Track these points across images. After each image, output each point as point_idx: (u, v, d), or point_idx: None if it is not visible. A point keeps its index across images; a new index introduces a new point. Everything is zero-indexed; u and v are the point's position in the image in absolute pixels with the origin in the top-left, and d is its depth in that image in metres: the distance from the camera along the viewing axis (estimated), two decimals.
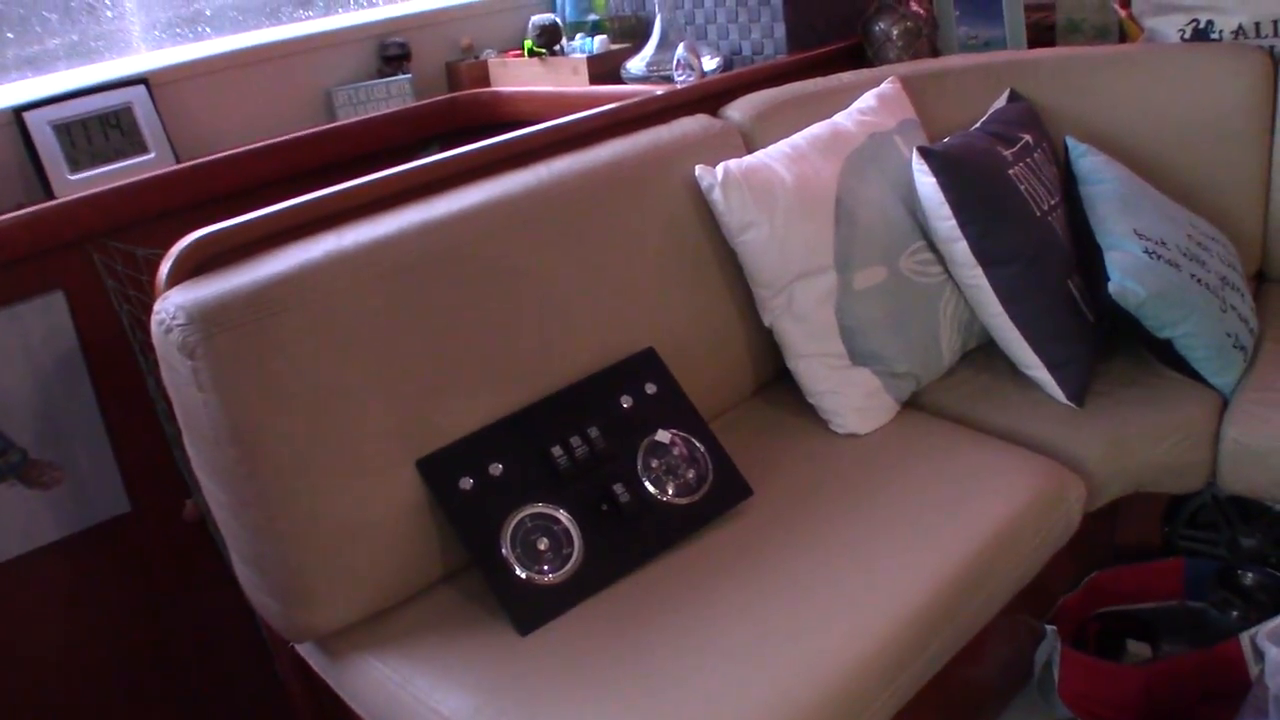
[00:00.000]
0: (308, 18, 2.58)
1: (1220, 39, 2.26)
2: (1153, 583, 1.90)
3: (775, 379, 1.94)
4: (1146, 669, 1.73)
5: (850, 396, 1.77)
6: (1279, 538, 1.91)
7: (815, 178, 1.80)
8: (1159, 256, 1.79)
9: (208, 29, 2.45)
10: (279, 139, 2.12)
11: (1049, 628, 1.76)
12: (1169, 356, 1.82)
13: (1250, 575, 1.86)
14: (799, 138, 1.90)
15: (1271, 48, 2.15)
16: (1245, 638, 1.65)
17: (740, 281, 1.83)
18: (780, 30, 2.38)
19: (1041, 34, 2.56)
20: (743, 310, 1.85)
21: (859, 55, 2.52)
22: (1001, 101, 2.16)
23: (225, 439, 1.32)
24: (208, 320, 1.30)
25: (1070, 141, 2.01)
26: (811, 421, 1.80)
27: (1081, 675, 1.73)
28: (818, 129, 1.93)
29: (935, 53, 2.51)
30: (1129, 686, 1.73)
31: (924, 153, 1.80)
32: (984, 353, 1.96)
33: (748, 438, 1.76)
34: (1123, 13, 2.45)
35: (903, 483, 1.61)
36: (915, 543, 1.47)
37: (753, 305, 1.84)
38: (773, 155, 1.83)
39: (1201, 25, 2.29)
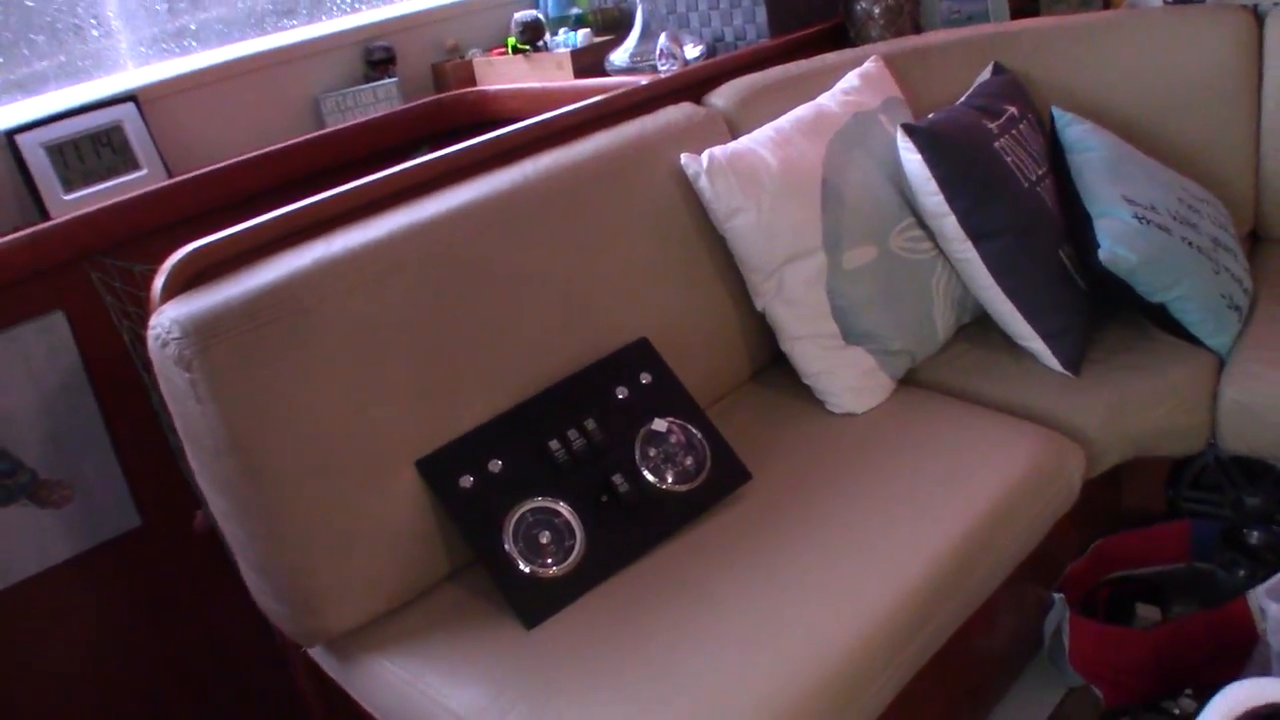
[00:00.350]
0: (292, 26, 2.59)
1: (1203, 0, 2.26)
2: (1159, 546, 1.90)
3: (771, 362, 1.95)
4: (1155, 632, 1.74)
5: (845, 376, 1.78)
6: None
7: (801, 160, 1.81)
8: (1149, 221, 1.79)
9: (194, 43, 2.46)
10: (269, 149, 2.13)
11: (1057, 596, 1.77)
12: (1164, 320, 1.83)
13: (1256, 534, 1.86)
14: (783, 121, 1.91)
15: (1255, 5, 2.15)
16: (1253, 596, 1.66)
17: (731, 267, 1.84)
18: (761, 14, 2.38)
19: (1025, 4, 2.55)
20: (735, 295, 1.86)
21: (842, 36, 2.52)
22: (986, 75, 2.16)
23: (225, 449, 1.34)
24: (202, 332, 1.31)
25: (1056, 111, 2.01)
26: (808, 403, 1.81)
27: (1091, 642, 1.74)
28: (802, 111, 1.93)
29: (918, 29, 2.51)
30: (1138, 650, 1.73)
31: (909, 130, 1.81)
32: (978, 326, 1.97)
33: (745, 422, 1.78)
34: None
35: (900, 460, 1.62)
36: (914, 519, 1.48)
37: (745, 290, 1.84)
38: (758, 140, 1.84)
39: None
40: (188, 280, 1.42)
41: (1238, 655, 1.63)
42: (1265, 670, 1.44)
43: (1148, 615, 1.87)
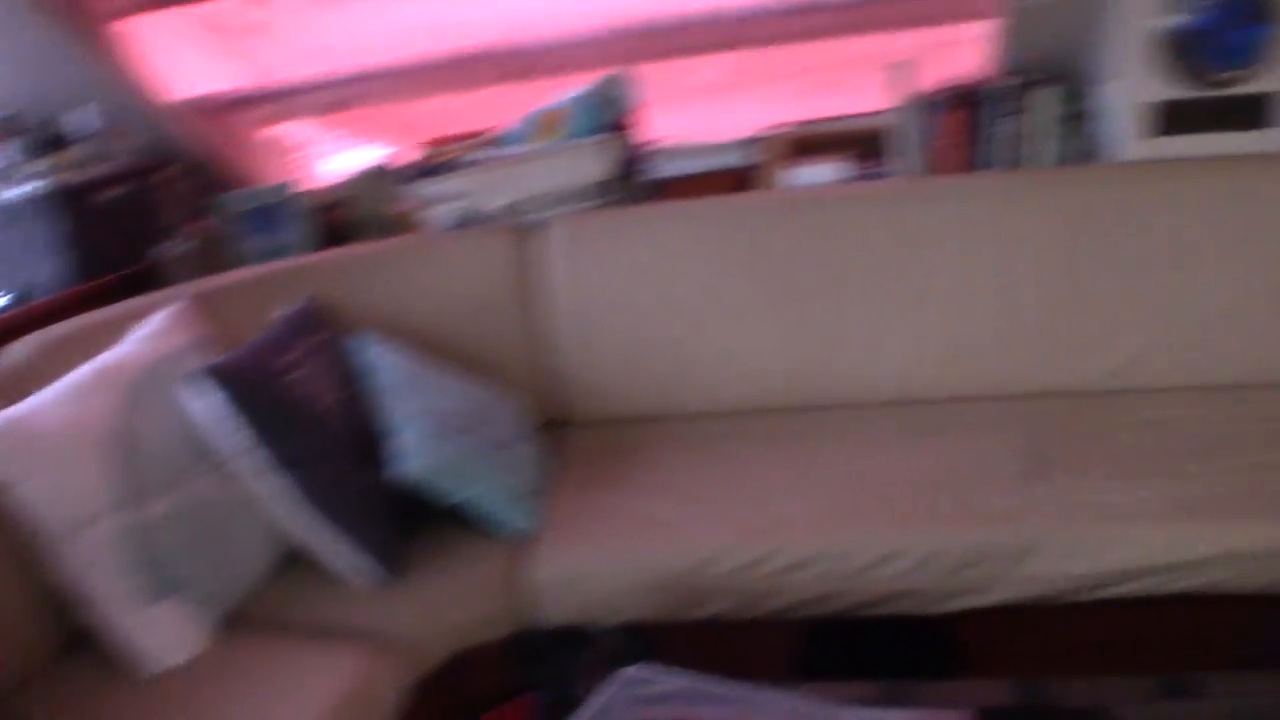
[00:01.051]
0: None
1: (487, 221, 2.57)
2: None
3: (78, 636, 1.77)
4: None
5: (156, 633, 1.72)
6: (609, 654, 2.14)
7: (91, 416, 1.77)
8: (440, 432, 1.97)
9: None
10: None
11: None
12: (470, 518, 2.00)
13: (587, 692, 2.06)
14: (79, 374, 1.86)
15: (520, 224, 2.48)
16: None
17: (19, 541, 1.70)
18: (67, 260, 2.33)
19: (338, 232, 2.73)
20: (28, 571, 1.73)
21: (153, 278, 2.53)
22: (293, 306, 2.26)
23: None
24: None
25: (355, 338, 2.17)
26: (120, 669, 1.70)
27: None
28: (99, 362, 1.90)
29: (228, 267, 2.58)
30: None
31: (204, 371, 1.84)
32: (297, 554, 1.96)
33: (51, 707, 1.65)
34: (403, 207, 2.70)
35: (214, 711, 1.60)
36: None
37: (39, 564, 1.72)
38: (43, 401, 1.78)
39: (469, 210, 2.58)
40: None
41: None
42: None
43: None
